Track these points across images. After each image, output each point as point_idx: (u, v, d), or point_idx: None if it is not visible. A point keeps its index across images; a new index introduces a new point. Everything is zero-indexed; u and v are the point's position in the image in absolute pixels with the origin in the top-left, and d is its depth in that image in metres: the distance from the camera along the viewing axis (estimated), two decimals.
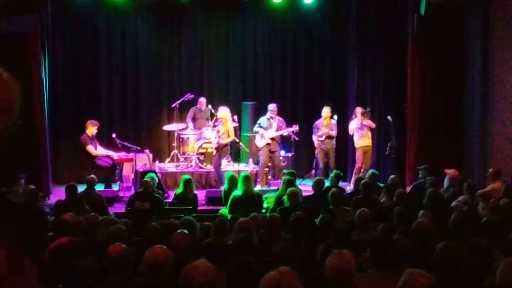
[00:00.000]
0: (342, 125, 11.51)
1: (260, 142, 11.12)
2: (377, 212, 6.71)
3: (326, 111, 11.26)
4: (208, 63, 12.91)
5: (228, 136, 10.74)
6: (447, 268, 3.86)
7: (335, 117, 11.34)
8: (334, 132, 11.30)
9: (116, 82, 12.38)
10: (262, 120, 11.17)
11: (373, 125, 11.10)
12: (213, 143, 11.05)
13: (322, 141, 11.24)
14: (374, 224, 5.85)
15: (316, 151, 11.43)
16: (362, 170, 10.88)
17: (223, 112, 10.89)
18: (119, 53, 12.40)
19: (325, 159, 11.34)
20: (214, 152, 11.06)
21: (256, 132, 11.17)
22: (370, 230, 5.64)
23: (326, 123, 11.26)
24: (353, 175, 10.63)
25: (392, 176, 8.72)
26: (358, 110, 11.15)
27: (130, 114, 12.50)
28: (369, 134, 11.11)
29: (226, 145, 10.83)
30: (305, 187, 9.92)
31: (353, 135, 11.17)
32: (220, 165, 10.88)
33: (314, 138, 11.40)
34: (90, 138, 10.22)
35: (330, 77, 13.08)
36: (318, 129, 11.36)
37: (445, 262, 3.89)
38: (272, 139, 11.03)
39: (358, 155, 11.10)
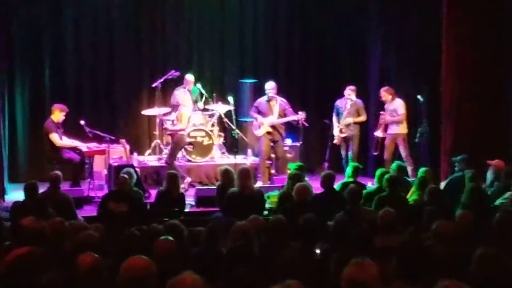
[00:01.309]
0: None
1: (258, 130, 11.12)
2: (405, 212, 6.73)
3: (349, 91, 11.27)
4: (198, 33, 12.89)
5: (181, 123, 10.73)
6: (488, 279, 3.87)
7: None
8: (362, 118, 11.34)
9: (85, 59, 12.34)
10: (260, 103, 11.15)
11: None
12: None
13: (347, 126, 11.26)
14: (402, 227, 5.88)
15: (335, 140, 11.44)
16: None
17: (180, 95, 10.97)
18: (89, 23, 12.34)
19: (346, 147, 11.41)
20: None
21: (254, 119, 11.19)
22: (396, 234, 5.67)
23: (349, 106, 11.26)
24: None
25: (423, 169, 8.72)
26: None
27: (102, 96, 12.49)
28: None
29: (176, 133, 10.70)
30: (316, 183, 9.93)
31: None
32: (171, 157, 10.76)
33: (335, 121, 11.41)
34: (56, 125, 10.22)
35: (347, 50, 13.07)
36: (338, 113, 11.35)
37: (486, 272, 3.91)
38: (273, 127, 11.03)
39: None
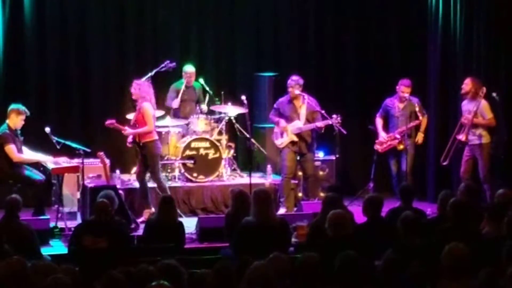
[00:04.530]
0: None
1: (280, 140, 11.13)
2: (477, 249, 6.70)
3: (404, 87, 11.26)
4: (199, 14, 12.93)
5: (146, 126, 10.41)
6: None
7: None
8: (422, 120, 11.31)
9: (50, 47, 12.38)
10: (281, 103, 11.17)
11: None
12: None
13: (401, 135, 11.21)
14: (472, 269, 5.85)
15: (378, 147, 11.42)
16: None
17: (141, 87, 10.63)
18: (56, 4, 12.36)
19: (397, 162, 11.42)
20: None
21: (275, 124, 11.20)
22: (465, 278, 5.65)
23: (404, 106, 11.27)
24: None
25: (499, 192, 8.67)
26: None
27: (74, 97, 12.55)
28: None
29: (147, 144, 10.53)
30: (359, 210, 9.92)
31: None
32: (143, 178, 10.76)
33: (379, 123, 11.44)
34: (13, 133, 10.25)
35: (398, 32, 13.08)
36: (389, 114, 11.39)
37: None
38: (299, 135, 11.03)
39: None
